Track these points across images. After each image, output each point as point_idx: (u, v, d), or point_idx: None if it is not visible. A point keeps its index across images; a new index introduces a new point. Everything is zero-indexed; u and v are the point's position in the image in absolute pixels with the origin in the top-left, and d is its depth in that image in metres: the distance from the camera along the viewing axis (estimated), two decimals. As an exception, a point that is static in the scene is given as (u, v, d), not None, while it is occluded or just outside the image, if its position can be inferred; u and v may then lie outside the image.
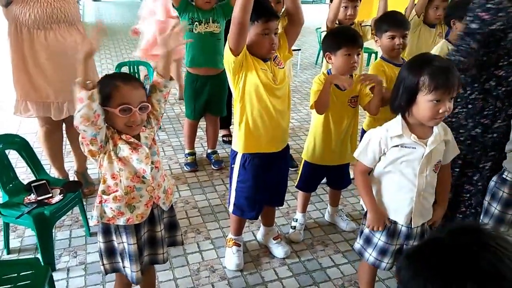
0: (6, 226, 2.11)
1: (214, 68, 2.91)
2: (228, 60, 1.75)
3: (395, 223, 1.63)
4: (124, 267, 1.51)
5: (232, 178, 2.00)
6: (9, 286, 1.56)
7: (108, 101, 1.34)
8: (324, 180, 2.48)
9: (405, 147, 1.52)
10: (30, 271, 1.62)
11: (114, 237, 1.49)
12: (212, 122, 3.22)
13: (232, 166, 1.99)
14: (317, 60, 6.81)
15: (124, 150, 1.39)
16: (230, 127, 3.69)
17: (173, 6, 2.79)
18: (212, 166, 3.18)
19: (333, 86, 2.07)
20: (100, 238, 1.51)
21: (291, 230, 2.40)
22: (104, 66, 5.73)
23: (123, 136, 1.39)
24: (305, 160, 2.29)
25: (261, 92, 1.81)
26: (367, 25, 2.79)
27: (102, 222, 1.48)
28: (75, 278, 2.02)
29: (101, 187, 1.45)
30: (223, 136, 3.65)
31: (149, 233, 1.55)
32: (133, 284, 1.62)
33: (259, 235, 2.33)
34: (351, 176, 2.88)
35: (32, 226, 1.98)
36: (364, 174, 1.63)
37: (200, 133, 3.49)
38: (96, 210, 1.46)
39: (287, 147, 2.05)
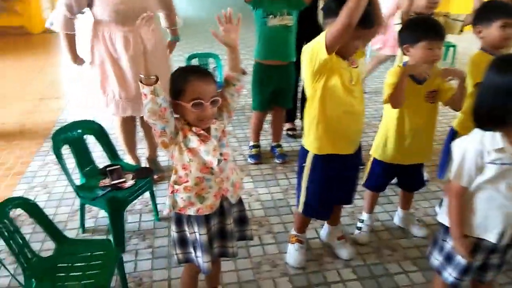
0: (82, 207, 2.25)
1: (284, 61, 2.88)
2: (318, 56, 1.66)
3: (481, 239, 1.47)
4: (196, 257, 1.53)
5: (302, 177, 1.92)
6: (83, 264, 1.66)
7: (181, 95, 1.37)
8: (394, 180, 2.34)
9: (505, 164, 1.33)
10: (103, 252, 1.71)
11: (186, 227, 1.52)
12: (278, 115, 3.18)
13: (303, 164, 1.91)
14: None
15: (193, 141, 1.41)
16: (295, 120, 3.64)
17: (245, 1, 2.77)
18: (276, 160, 3.15)
19: (409, 80, 1.93)
20: (173, 227, 1.55)
21: (356, 231, 2.29)
22: (175, 58, 5.92)
23: (194, 129, 1.41)
24: (374, 158, 2.17)
25: (342, 93, 1.74)
26: (458, 20, 2.54)
27: (174, 212, 1.51)
28: (142, 261, 2.10)
29: (173, 177, 1.49)
30: (287, 129, 3.60)
31: (219, 225, 1.56)
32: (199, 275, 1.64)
33: (323, 233, 2.26)
34: (425, 178, 2.70)
35: (105, 209, 2.09)
36: (460, 197, 1.43)
37: (265, 125, 3.47)
38: (169, 199, 1.50)
39: (360, 145, 1.96)
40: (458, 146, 1.42)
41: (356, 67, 1.79)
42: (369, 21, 1.66)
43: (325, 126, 1.79)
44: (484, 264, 1.51)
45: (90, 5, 2.36)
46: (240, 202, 1.63)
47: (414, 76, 1.93)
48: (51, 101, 4.27)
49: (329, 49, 1.62)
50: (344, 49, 1.70)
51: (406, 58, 2.01)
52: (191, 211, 1.47)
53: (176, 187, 1.47)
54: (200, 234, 1.48)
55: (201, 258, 1.51)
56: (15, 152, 3.19)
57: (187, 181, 1.45)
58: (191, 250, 1.54)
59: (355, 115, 1.80)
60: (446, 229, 1.53)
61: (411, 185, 2.27)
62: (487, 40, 2.02)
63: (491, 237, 1.43)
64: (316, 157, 1.85)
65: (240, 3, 2.81)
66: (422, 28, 1.89)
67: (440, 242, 1.57)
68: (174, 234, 1.55)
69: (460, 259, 1.49)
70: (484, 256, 1.48)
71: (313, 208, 1.96)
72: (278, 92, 2.99)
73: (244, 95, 4.53)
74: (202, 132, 1.42)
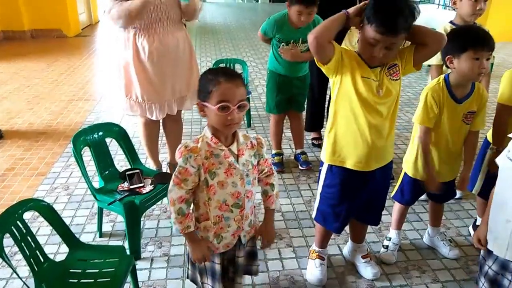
0: (100, 210, 2.22)
1: (296, 76, 2.86)
2: (322, 68, 1.63)
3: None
4: (202, 282, 1.49)
5: (319, 181, 1.85)
6: (95, 270, 1.61)
7: (208, 97, 1.30)
8: (424, 197, 2.20)
9: None
10: (116, 259, 1.66)
11: None
12: (295, 119, 3.11)
13: (320, 168, 1.84)
14: (422, 63, 6.24)
15: (220, 174, 1.35)
16: (322, 130, 3.53)
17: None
18: (300, 166, 3.05)
19: (448, 96, 1.81)
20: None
21: (382, 250, 2.16)
22: (203, 64, 5.94)
23: (222, 153, 1.34)
24: (405, 173, 2.05)
25: (355, 105, 1.60)
26: None
27: None
28: (157, 269, 2.05)
29: (194, 213, 1.45)
30: (313, 139, 3.50)
31: (233, 252, 1.51)
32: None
33: (346, 250, 2.14)
34: (458, 196, 2.56)
35: (122, 213, 2.05)
36: None
37: (289, 134, 3.38)
38: None
39: (388, 164, 1.81)
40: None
41: (395, 79, 1.62)
42: (385, 26, 1.45)
43: (335, 136, 1.71)
44: None
45: None
46: (253, 238, 1.57)
47: (454, 94, 1.81)
48: (80, 103, 4.33)
49: (320, 62, 1.60)
50: (362, 52, 1.59)
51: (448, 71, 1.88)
52: None
53: (197, 224, 1.45)
54: (214, 263, 1.45)
55: (209, 285, 1.46)
56: (39, 152, 3.23)
57: (207, 219, 1.42)
58: (197, 274, 1.50)
59: (373, 132, 1.62)
60: (487, 251, 1.39)
61: (442, 197, 2.13)
62: None
63: None
64: (330, 165, 1.77)
65: (263, 11, 2.74)
66: (469, 38, 1.73)
67: (485, 269, 1.42)
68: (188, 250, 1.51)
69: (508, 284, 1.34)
70: None
71: (323, 215, 1.87)
72: (292, 99, 2.96)
73: (269, 102, 4.47)
74: (230, 159, 1.35)
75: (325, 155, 1.77)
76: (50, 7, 7.35)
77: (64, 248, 2.04)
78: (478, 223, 2.30)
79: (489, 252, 1.38)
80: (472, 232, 2.33)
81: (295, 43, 2.70)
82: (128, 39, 2.37)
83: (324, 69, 1.63)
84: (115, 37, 2.45)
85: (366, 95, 1.59)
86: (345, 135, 1.68)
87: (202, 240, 1.42)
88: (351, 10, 1.55)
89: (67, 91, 4.70)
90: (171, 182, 1.37)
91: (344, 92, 1.63)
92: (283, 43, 2.71)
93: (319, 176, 1.86)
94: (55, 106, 4.22)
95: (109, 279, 1.56)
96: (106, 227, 2.34)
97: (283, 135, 3.22)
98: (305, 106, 3.09)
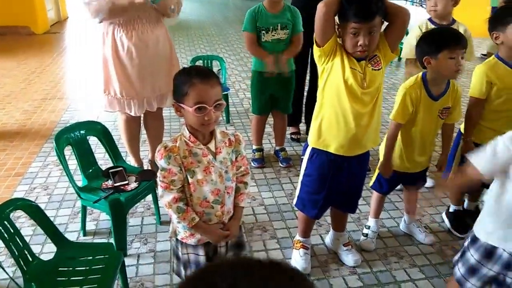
0: (84, 209, 2.21)
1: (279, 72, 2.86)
2: (315, 52, 1.71)
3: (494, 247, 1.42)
4: (186, 275, 1.53)
5: (301, 169, 1.95)
6: (84, 268, 1.62)
7: (184, 99, 1.33)
8: (400, 186, 2.31)
9: None
10: (105, 255, 1.67)
11: (179, 246, 1.52)
12: (279, 118, 3.15)
13: (302, 157, 1.93)
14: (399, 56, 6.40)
15: (198, 172, 1.38)
16: (300, 124, 3.60)
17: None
18: (280, 164, 3.12)
19: (425, 94, 1.90)
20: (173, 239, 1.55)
21: (362, 238, 2.25)
22: (179, 61, 5.91)
23: (201, 152, 1.38)
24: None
25: (342, 93, 1.69)
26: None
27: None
28: (144, 265, 2.06)
29: None
30: (291, 133, 3.56)
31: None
32: None
33: (328, 239, 2.22)
34: (431, 184, 2.69)
35: (108, 211, 2.05)
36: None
37: (269, 129, 3.44)
38: (171, 226, 1.51)
39: (365, 154, 1.90)
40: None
41: (377, 69, 1.71)
42: (354, 12, 1.56)
43: (321, 121, 1.80)
44: (499, 279, 1.45)
45: None
46: (240, 228, 1.61)
47: (431, 92, 1.91)
48: (53, 101, 4.24)
49: (317, 40, 1.67)
50: (345, 46, 1.67)
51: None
52: (192, 242, 1.48)
53: None
54: (197, 255, 1.49)
55: None
56: (15, 152, 3.16)
57: None
58: (181, 268, 1.54)
59: (357, 119, 1.71)
60: (472, 239, 1.48)
61: (416, 183, 2.22)
62: (508, 45, 1.96)
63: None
64: (312, 150, 1.86)
65: (240, 7, 2.76)
66: (443, 38, 1.83)
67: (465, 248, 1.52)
68: (173, 243, 1.55)
69: (470, 257, 1.44)
70: (499, 269, 1.42)
71: (303, 201, 1.96)
72: (276, 98, 2.99)
73: (248, 98, 4.51)
74: (209, 158, 1.38)
75: (311, 139, 1.86)
76: (17, 4, 7.11)
77: (48, 248, 2.04)
78: (451, 210, 2.43)
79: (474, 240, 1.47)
80: (445, 218, 2.45)
81: (274, 30, 2.73)
82: (107, 34, 2.36)
83: (318, 52, 1.70)
84: (95, 32, 2.43)
85: (353, 85, 1.68)
86: (330, 121, 1.77)
87: (210, 225, 1.45)
88: None
89: (40, 89, 4.59)
90: (159, 188, 1.39)
91: (332, 79, 1.71)
92: (262, 31, 2.73)
93: (301, 165, 1.96)
94: (28, 105, 4.11)
95: (99, 275, 1.57)
96: (90, 226, 2.32)
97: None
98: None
